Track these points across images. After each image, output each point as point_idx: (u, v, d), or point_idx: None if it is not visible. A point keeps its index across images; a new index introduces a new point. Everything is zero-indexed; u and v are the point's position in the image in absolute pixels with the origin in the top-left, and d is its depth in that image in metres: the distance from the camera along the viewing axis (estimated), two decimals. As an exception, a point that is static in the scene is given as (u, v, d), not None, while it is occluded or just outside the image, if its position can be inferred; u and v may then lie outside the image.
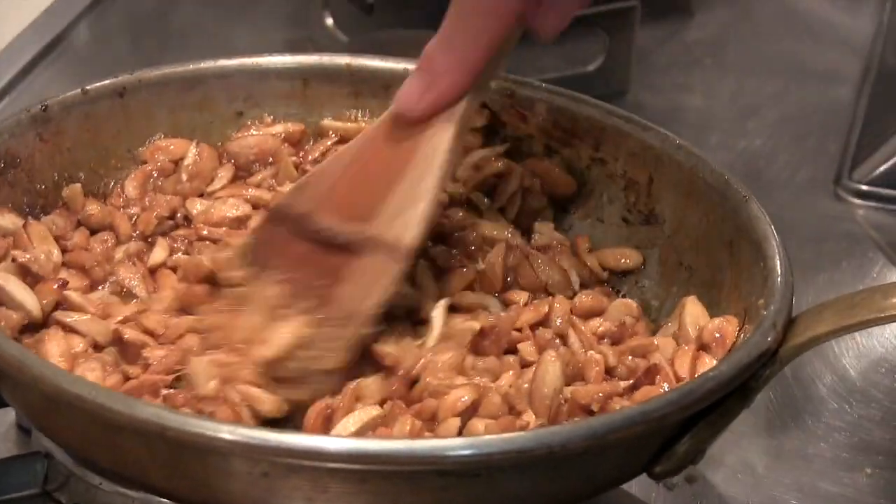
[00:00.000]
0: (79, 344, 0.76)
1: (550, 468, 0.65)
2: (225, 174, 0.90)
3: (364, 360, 0.76)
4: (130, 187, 0.88)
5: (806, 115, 1.21)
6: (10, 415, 0.83)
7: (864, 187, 1.11)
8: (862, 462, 0.85)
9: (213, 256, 0.81)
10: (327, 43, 1.20)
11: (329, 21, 1.22)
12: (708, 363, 0.74)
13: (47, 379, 0.66)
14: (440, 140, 0.78)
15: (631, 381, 0.74)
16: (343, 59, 0.92)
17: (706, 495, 0.82)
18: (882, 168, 1.12)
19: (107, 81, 0.88)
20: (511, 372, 0.76)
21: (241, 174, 0.91)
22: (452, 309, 0.80)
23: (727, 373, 0.68)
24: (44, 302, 0.78)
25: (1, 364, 0.67)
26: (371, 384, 0.75)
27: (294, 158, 0.91)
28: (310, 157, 0.90)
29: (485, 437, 0.67)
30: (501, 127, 0.90)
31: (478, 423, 0.71)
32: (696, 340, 0.76)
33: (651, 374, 0.74)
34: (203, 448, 0.64)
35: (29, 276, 0.79)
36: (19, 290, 0.77)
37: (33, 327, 0.77)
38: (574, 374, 0.75)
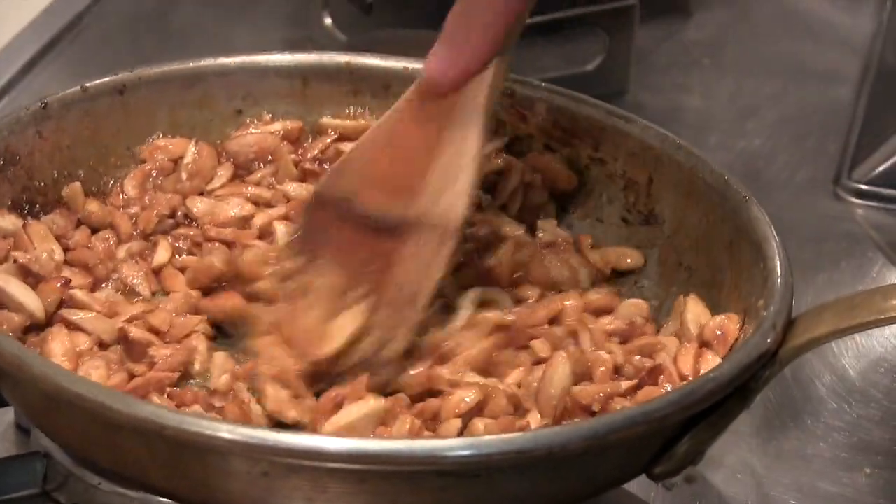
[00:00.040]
0: (84, 342, 0.76)
1: (550, 469, 0.65)
2: (224, 172, 0.90)
3: None
4: (130, 187, 0.88)
5: (805, 116, 1.21)
6: (9, 414, 0.83)
7: (864, 187, 1.11)
8: (861, 462, 0.85)
9: (246, 258, 0.81)
10: (326, 42, 1.20)
11: (328, 21, 1.22)
12: (711, 360, 0.74)
13: (47, 378, 0.66)
14: (474, 108, 0.77)
15: (634, 382, 0.74)
16: (342, 58, 0.92)
17: (705, 495, 0.82)
18: (881, 168, 1.12)
19: (106, 79, 0.88)
20: (521, 368, 0.76)
21: (241, 172, 0.91)
22: None
23: (727, 374, 0.68)
24: (48, 301, 0.78)
25: (1, 363, 0.67)
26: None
27: (293, 156, 0.91)
28: (309, 155, 0.90)
29: (484, 438, 0.67)
30: (501, 126, 0.90)
31: (478, 423, 0.71)
32: (697, 338, 0.77)
33: (654, 374, 0.74)
34: (202, 447, 0.64)
35: (30, 276, 0.79)
36: (21, 292, 0.77)
37: (38, 327, 0.77)
38: (583, 374, 0.75)
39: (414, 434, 0.71)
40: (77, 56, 1.23)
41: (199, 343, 0.78)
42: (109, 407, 0.64)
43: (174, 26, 1.28)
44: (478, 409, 0.72)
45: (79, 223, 0.85)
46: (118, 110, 0.88)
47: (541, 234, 0.87)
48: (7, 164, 0.83)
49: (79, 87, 0.87)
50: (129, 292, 0.82)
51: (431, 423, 0.72)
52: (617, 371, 0.76)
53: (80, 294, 0.79)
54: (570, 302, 0.81)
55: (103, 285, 0.82)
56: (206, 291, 0.82)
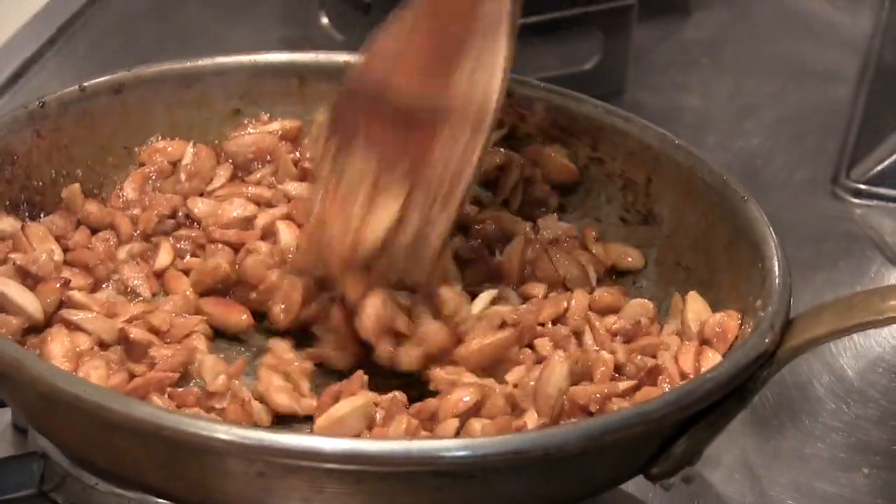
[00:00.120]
0: (84, 342, 0.76)
1: (547, 469, 0.65)
2: (224, 173, 0.90)
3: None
4: (129, 189, 0.88)
5: (803, 115, 1.21)
6: (6, 415, 0.83)
7: (862, 186, 1.11)
8: (859, 462, 0.85)
9: (248, 264, 0.81)
10: (324, 42, 1.20)
11: (325, 20, 1.22)
12: (711, 358, 0.74)
13: (45, 379, 0.66)
14: None
15: (633, 382, 0.73)
16: (341, 57, 0.92)
17: (703, 495, 0.82)
18: (880, 167, 1.12)
19: (104, 78, 0.88)
20: (521, 367, 0.76)
21: (240, 173, 0.91)
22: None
23: (725, 374, 0.68)
24: (47, 301, 0.78)
25: (-1, 364, 0.67)
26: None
27: (292, 156, 0.91)
28: (307, 154, 0.90)
29: (480, 439, 0.67)
30: (499, 126, 0.90)
31: (475, 423, 0.71)
32: (698, 336, 0.77)
33: (653, 374, 0.74)
34: (199, 448, 0.64)
35: (29, 277, 0.79)
36: (19, 294, 0.77)
37: (37, 328, 0.77)
38: (584, 373, 0.75)
39: (411, 434, 0.71)
40: (75, 55, 1.23)
41: (200, 343, 0.78)
42: (107, 407, 0.64)
43: (171, 26, 1.28)
44: (475, 410, 0.72)
45: (78, 224, 0.85)
46: (116, 110, 0.88)
47: (545, 232, 0.87)
48: (4, 164, 0.83)
49: (77, 87, 0.87)
50: (130, 293, 0.82)
51: (429, 423, 0.72)
52: (619, 370, 0.76)
53: (78, 295, 0.79)
54: (576, 300, 0.81)
55: (104, 286, 0.82)
56: (209, 293, 0.83)
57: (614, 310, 0.82)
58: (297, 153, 0.91)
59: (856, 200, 1.10)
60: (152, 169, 0.89)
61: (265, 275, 0.81)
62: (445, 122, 0.76)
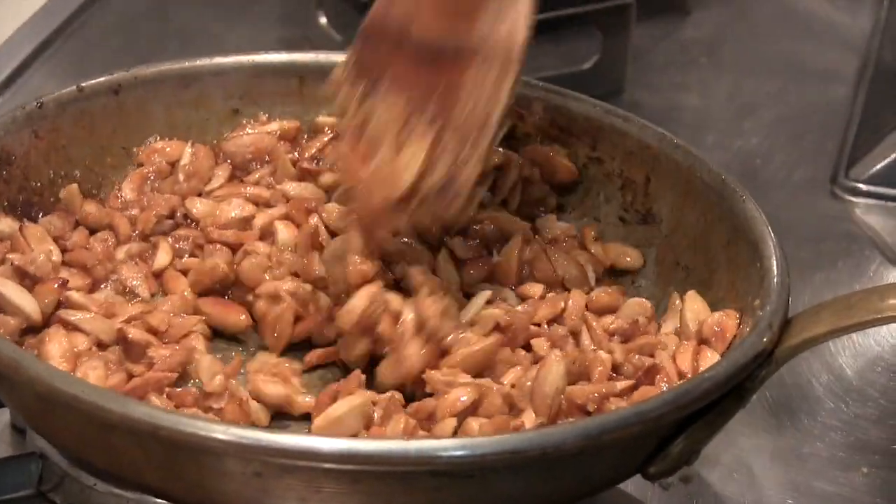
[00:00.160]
0: (82, 342, 0.76)
1: (544, 469, 0.65)
2: (222, 173, 0.90)
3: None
4: (128, 190, 0.88)
5: (802, 115, 1.21)
6: (4, 415, 0.83)
7: (861, 186, 1.11)
8: (858, 461, 0.85)
9: (245, 266, 0.81)
10: (322, 42, 1.20)
11: (323, 20, 1.22)
12: (709, 357, 0.74)
13: (43, 379, 0.66)
14: None
15: (631, 382, 0.73)
16: (340, 57, 0.92)
17: (702, 494, 0.82)
18: (879, 166, 1.12)
19: (102, 79, 0.88)
20: (519, 367, 0.76)
21: (238, 173, 0.91)
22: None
23: (723, 373, 0.68)
24: (45, 302, 0.78)
25: (-3, 365, 0.67)
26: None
27: (290, 156, 0.91)
28: (306, 154, 0.90)
29: (478, 438, 0.67)
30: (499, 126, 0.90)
31: (473, 423, 0.71)
32: (696, 335, 0.77)
33: (651, 374, 0.74)
34: (196, 448, 0.64)
35: (27, 278, 0.79)
36: (17, 294, 0.77)
37: (35, 328, 0.77)
38: (581, 373, 0.75)
39: (409, 433, 0.71)
40: (73, 55, 1.23)
41: (198, 343, 0.78)
42: (105, 408, 0.64)
43: (170, 26, 1.28)
44: (472, 409, 0.72)
45: (76, 224, 0.85)
46: (114, 110, 0.88)
47: (543, 232, 0.87)
48: (3, 165, 0.83)
49: (74, 87, 0.87)
50: (128, 294, 0.82)
51: (426, 423, 0.72)
52: (616, 370, 0.76)
53: (76, 295, 0.79)
54: (573, 301, 0.81)
55: (102, 286, 0.82)
56: (207, 293, 0.83)
57: (612, 309, 0.82)
58: (296, 153, 0.91)
59: (855, 200, 1.10)
60: (151, 169, 0.89)
61: (261, 278, 0.81)
62: (473, 59, 0.76)
